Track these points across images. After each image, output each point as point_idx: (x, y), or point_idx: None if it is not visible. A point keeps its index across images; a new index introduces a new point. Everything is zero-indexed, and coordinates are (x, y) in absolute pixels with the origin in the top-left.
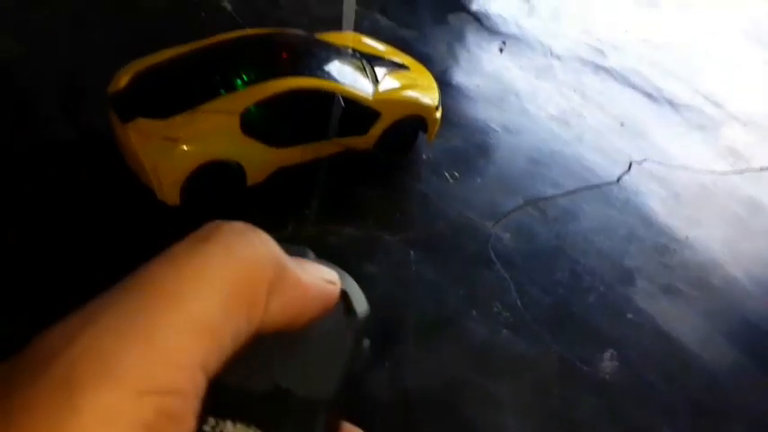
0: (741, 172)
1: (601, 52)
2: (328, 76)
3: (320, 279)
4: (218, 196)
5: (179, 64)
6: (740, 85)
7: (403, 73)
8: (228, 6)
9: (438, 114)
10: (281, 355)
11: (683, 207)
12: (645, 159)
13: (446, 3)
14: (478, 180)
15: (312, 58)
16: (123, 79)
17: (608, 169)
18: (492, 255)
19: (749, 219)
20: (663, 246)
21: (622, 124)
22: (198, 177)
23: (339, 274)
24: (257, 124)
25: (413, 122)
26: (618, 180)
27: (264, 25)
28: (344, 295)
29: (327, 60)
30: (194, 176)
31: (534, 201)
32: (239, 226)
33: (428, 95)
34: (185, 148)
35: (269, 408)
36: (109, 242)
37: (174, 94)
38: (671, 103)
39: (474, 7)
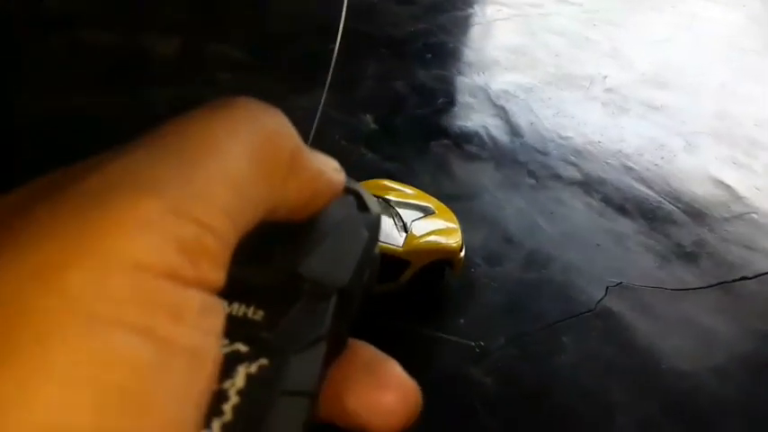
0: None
1: (576, 167)
2: None
3: (329, 165)
4: None
5: None
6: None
7: (430, 218)
8: None
9: (462, 254)
10: (290, 239)
11: (660, 331)
12: (620, 283)
13: (428, 130)
14: (461, 321)
15: None
16: None
17: (586, 296)
18: (476, 404)
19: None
20: (643, 377)
21: (598, 245)
22: None
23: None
24: None
25: (440, 264)
26: (596, 306)
27: None
28: (356, 194)
29: None
30: None
31: (516, 338)
32: (257, 101)
33: (453, 239)
34: None
35: (274, 289)
36: None
37: None
38: (646, 218)
39: (456, 130)
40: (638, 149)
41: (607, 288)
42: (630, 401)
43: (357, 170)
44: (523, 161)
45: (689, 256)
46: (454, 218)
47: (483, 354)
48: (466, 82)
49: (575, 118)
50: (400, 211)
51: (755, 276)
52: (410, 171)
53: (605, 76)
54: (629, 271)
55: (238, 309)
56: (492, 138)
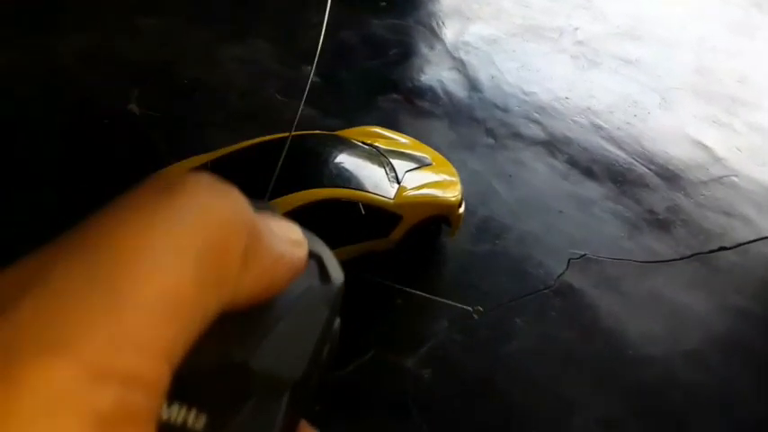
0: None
1: (539, 125)
2: (348, 183)
3: (290, 242)
4: None
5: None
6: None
7: (425, 169)
8: (136, 110)
9: (461, 210)
10: (241, 328)
11: (627, 310)
12: (584, 255)
13: (376, 84)
14: (398, 301)
15: (331, 163)
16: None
17: (544, 270)
18: (408, 400)
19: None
20: (606, 366)
21: (561, 212)
22: None
23: (308, 236)
24: None
25: (436, 220)
26: (555, 282)
27: (178, 126)
28: (318, 260)
29: (347, 163)
30: None
31: (460, 321)
32: (208, 178)
33: (451, 192)
34: None
35: (221, 387)
36: None
37: None
38: (616, 181)
39: (408, 84)
40: (609, 106)
41: (569, 261)
42: (591, 396)
43: (293, 127)
44: (481, 118)
45: (661, 224)
46: (453, 170)
47: (419, 340)
48: (423, 32)
49: (540, 72)
50: (392, 160)
51: (734, 246)
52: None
53: (576, 28)
54: (594, 241)
55: (178, 413)
56: (447, 93)
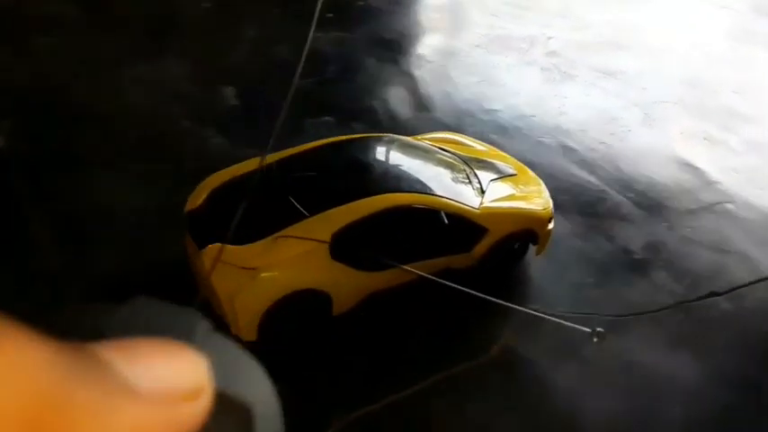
0: None
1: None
2: (428, 190)
3: (167, 398)
4: (299, 329)
5: (260, 179)
6: None
7: (511, 179)
8: (2, 143)
9: (551, 226)
10: None
11: (588, 385)
12: (536, 310)
13: (306, 106)
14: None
15: (408, 167)
16: (200, 196)
17: (484, 335)
18: None
19: None
20: None
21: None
22: (279, 310)
23: (245, 368)
24: (349, 248)
25: (523, 237)
26: (494, 349)
27: (51, 165)
28: (246, 415)
29: (426, 169)
30: (275, 309)
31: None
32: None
33: (539, 205)
34: (267, 278)
35: None
36: None
37: (255, 215)
38: (584, 213)
39: (344, 104)
40: (582, 124)
41: (518, 319)
42: None
43: (197, 159)
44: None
45: (638, 265)
46: (540, 183)
47: None
48: (371, 46)
49: (505, 86)
50: (475, 169)
51: (728, 291)
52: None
53: (550, 37)
54: (551, 292)
55: None
56: (389, 113)
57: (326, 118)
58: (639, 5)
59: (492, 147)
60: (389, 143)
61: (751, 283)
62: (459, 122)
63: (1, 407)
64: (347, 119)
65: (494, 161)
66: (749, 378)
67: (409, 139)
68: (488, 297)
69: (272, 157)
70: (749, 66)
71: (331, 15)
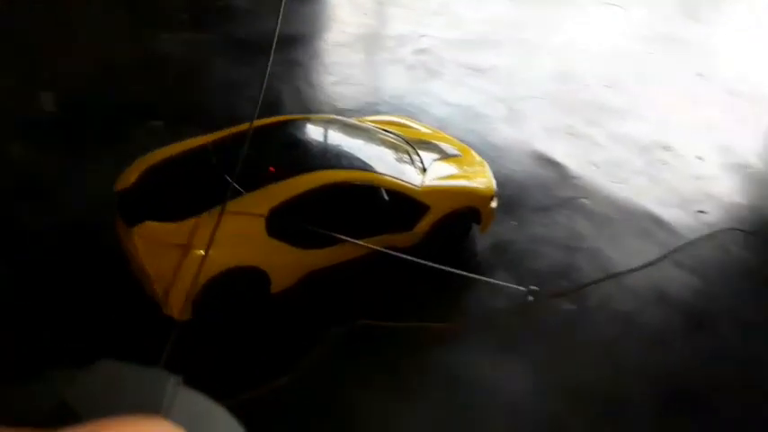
0: None
1: None
2: (368, 167)
3: None
4: (235, 308)
5: (194, 158)
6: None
7: (454, 160)
8: None
9: (494, 204)
10: None
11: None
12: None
13: (134, 111)
14: None
15: (349, 146)
16: (131, 176)
17: None
18: None
19: None
20: None
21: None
22: (213, 288)
23: (217, 420)
24: (286, 225)
25: (465, 215)
26: None
27: None
28: None
29: (367, 148)
30: (209, 287)
31: None
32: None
33: (482, 184)
34: (199, 255)
35: None
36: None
37: (189, 193)
38: None
39: (174, 108)
40: (442, 121)
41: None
42: None
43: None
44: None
45: (479, 268)
46: (484, 164)
47: None
48: (225, 47)
49: (363, 86)
50: (418, 149)
51: (574, 290)
52: (89, 168)
53: (423, 35)
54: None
55: None
56: (230, 115)
57: (155, 122)
58: (520, 2)
59: (437, 130)
60: (330, 123)
61: (596, 282)
62: None
63: None
64: (178, 123)
65: (438, 143)
66: (584, 386)
67: (351, 120)
68: (428, 263)
69: (206, 138)
70: (624, 59)
71: (186, 16)
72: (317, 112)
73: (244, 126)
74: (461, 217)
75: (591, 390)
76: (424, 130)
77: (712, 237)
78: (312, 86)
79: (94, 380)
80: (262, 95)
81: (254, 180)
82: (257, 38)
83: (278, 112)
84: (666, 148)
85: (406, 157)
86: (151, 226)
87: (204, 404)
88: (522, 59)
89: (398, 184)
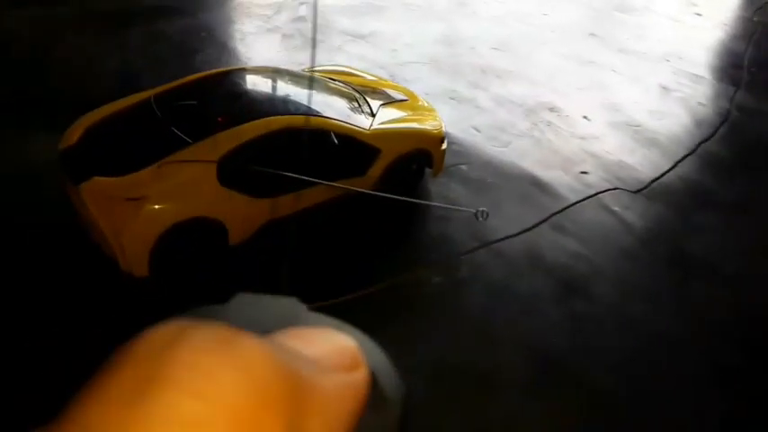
0: None
1: None
2: (316, 113)
3: (345, 370)
4: (195, 261)
5: (138, 113)
6: None
7: (402, 104)
8: None
9: (444, 146)
10: None
11: None
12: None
13: None
14: None
15: (295, 93)
16: (75, 134)
17: None
18: None
19: None
20: None
21: None
22: (169, 241)
23: (360, 340)
24: (238, 173)
25: (417, 158)
26: None
27: None
28: (372, 376)
29: (314, 95)
30: (165, 240)
31: None
32: (202, 342)
33: (431, 126)
34: (153, 207)
35: None
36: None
37: (135, 146)
38: None
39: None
40: None
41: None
42: None
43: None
44: None
45: (346, 247)
46: (432, 108)
47: None
48: (80, 22)
49: (237, 57)
50: (365, 96)
51: (430, 266)
52: None
53: (302, 2)
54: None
55: None
56: (83, 98)
57: None
58: None
59: (382, 77)
60: (275, 73)
61: (465, 254)
62: None
63: (268, 392)
64: (23, 112)
65: (385, 89)
66: (451, 361)
67: (296, 70)
68: (388, 195)
69: (148, 93)
70: (515, 20)
71: None
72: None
73: (185, 79)
74: (413, 160)
75: (458, 364)
76: (369, 77)
77: (595, 198)
78: (179, 60)
79: (240, 308)
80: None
81: (202, 130)
82: (120, 9)
83: (137, 89)
84: (553, 109)
85: (353, 102)
86: (99, 181)
87: (335, 324)
88: (408, 24)
89: (347, 128)
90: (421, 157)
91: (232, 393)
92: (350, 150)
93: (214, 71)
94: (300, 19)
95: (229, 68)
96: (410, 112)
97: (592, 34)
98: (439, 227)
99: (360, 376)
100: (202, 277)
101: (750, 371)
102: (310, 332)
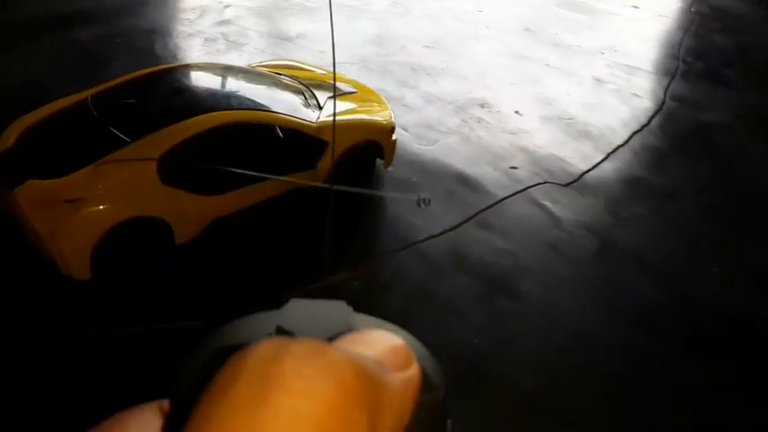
0: None
1: None
2: (260, 107)
3: (401, 368)
4: (139, 263)
5: (74, 113)
6: None
7: (350, 96)
8: None
9: (394, 137)
10: None
11: None
12: None
13: None
14: None
15: (238, 88)
16: (10, 137)
17: None
18: None
19: None
20: None
21: None
22: (111, 242)
23: (400, 335)
24: (180, 171)
25: (367, 150)
26: None
27: None
28: (423, 371)
29: (259, 90)
30: (106, 242)
31: None
32: (299, 353)
33: (381, 117)
34: (91, 209)
35: None
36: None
37: (72, 148)
38: None
39: None
40: None
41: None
42: None
43: None
44: None
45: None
46: (382, 99)
47: None
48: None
49: (149, 62)
50: (312, 89)
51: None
52: None
53: (227, 6)
54: None
55: None
56: None
57: None
58: None
59: (330, 71)
60: (217, 69)
61: (389, 255)
62: None
63: (354, 391)
64: None
65: (335, 83)
66: None
67: (241, 65)
68: (342, 187)
69: (84, 93)
70: (448, 18)
71: None
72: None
73: (123, 78)
74: (363, 152)
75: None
76: (318, 71)
77: (524, 194)
78: (90, 68)
79: (295, 313)
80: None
81: (141, 128)
82: (30, 18)
83: (45, 100)
84: (484, 105)
85: (299, 96)
86: (35, 184)
87: (381, 323)
88: (338, 25)
89: (293, 122)
90: (371, 148)
91: (327, 393)
92: (297, 144)
93: (156, 68)
94: (225, 22)
95: (173, 65)
96: (359, 104)
97: (527, 29)
98: (360, 229)
99: (414, 372)
100: (148, 279)
101: (683, 366)
102: (366, 335)
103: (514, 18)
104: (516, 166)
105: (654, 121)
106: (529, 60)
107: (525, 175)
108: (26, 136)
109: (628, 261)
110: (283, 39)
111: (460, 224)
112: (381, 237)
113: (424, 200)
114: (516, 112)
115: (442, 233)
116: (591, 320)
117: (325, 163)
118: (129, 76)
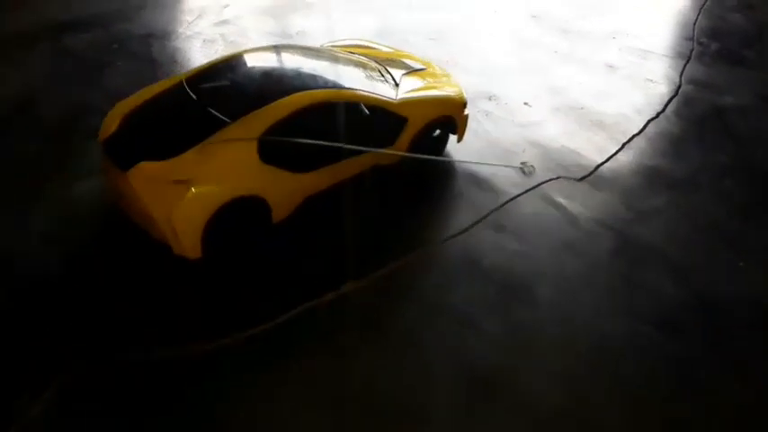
0: None
1: None
2: (345, 86)
3: None
4: (241, 241)
5: (172, 97)
6: None
7: (421, 73)
8: None
9: (467, 111)
10: None
11: None
12: None
13: None
14: None
15: (322, 69)
16: (113, 123)
17: None
18: None
19: None
20: None
21: None
22: (218, 222)
23: None
24: (278, 149)
25: (441, 125)
26: None
27: None
28: None
29: (340, 69)
30: (215, 221)
31: None
32: None
33: (453, 92)
34: (201, 189)
35: None
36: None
37: (175, 130)
38: None
39: None
40: None
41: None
42: None
43: None
44: None
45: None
46: (450, 75)
47: None
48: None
49: (153, 69)
50: (386, 66)
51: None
52: None
53: (226, 6)
54: None
55: None
56: None
57: None
58: None
59: (396, 48)
60: (299, 50)
61: (399, 262)
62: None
63: None
64: None
65: (402, 59)
66: (382, 386)
67: (316, 46)
68: (437, 158)
69: (178, 77)
70: (452, 11)
71: None
72: (94, 106)
73: (216, 60)
74: (439, 127)
75: (387, 390)
76: (385, 49)
77: (536, 190)
78: (86, 75)
79: None
80: None
81: (237, 109)
82: (24, 28)
83: (43, 108)
84: (491, 97)
85: (376, 74)
86: (145, 166)
87: None
88: (339, 20)
89: (376, 99)
90: (445, 123)
91: None
92: (380, 121)
93: (241, 50)
94: (224, 23)
95: (253, 48)
96: (431, 80)
97: (534, 16)
98: (370, 236)
99: None
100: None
101: (714, 372)
102: None
103: (520, 4)
104: (528, 161)
105: (670, 107)
106: (537, 48)
107: (539, 169)
108: (128, 121)
109: (648, 259)
110: (283, 37)
111: (472, 226)
112: (389, 243)
113: (528, 166)
114: (525, 103)
115: (452, 236)
116: (613, 326)
117: (404, 139)
118: (217, 60)
